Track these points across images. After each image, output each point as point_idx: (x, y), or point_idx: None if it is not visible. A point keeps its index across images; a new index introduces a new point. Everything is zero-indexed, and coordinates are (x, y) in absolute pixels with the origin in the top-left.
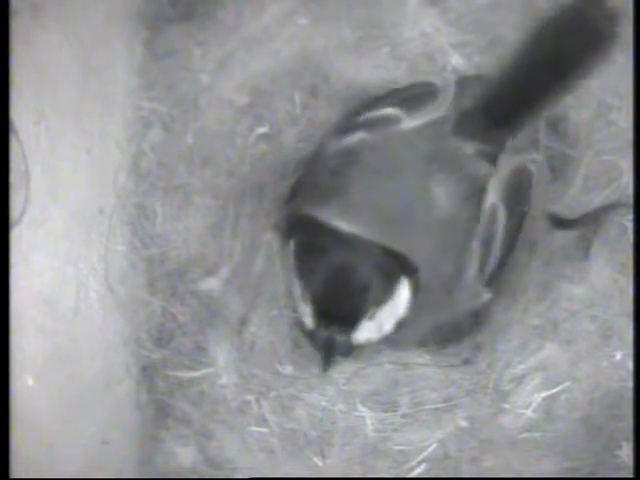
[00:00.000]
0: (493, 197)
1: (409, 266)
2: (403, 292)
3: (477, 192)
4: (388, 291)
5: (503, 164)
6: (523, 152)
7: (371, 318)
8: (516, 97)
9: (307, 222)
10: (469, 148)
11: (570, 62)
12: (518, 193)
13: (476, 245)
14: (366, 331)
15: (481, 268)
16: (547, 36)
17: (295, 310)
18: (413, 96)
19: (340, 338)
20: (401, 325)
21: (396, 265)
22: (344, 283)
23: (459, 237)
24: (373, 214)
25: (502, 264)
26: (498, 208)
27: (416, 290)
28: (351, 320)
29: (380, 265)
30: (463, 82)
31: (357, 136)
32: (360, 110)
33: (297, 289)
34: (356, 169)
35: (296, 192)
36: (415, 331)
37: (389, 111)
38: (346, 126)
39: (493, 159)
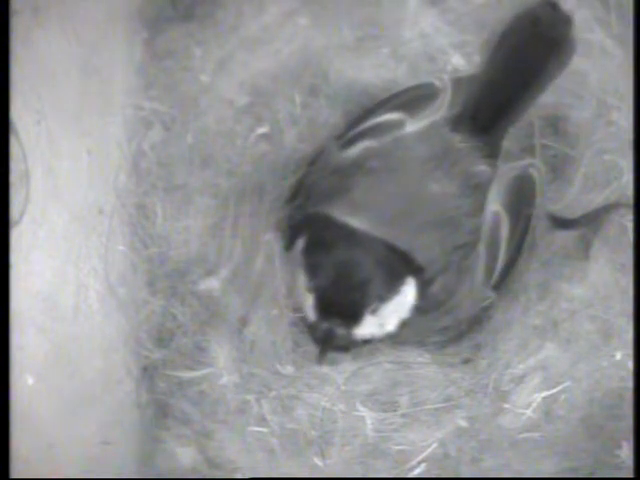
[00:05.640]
0: (495, 205)
1: (413, 264)
2: (409, 292)
3: (474, 188)
4: (391, 287)
5: (503, 172)
6: (521, 158)
7: (374, 313)
8: (492, 102)
9: (317, 218)
10: (465, 145)
11: (532, 67)
12: (521, 199)
13: (482, 250)
14: (368, 326)
15: (488, 273)
16: (506, 45)
17: (295, 310)
18: (414, 98)
19: (340, 331)
20: (405, 325)
21: (400, 262)
22: (348, 276)
23: (463, 238)
24: (379, 212)
25: (509, 268)
26: (501, 215)
27: (423, 291)
28: (352, 313)
29: (384, 261)
30: (458, 82)
31: (362, 144)
32: (362, 116)
33: (301, 283)
34: (362, 173)
35: (300, 192)
36: (418, 332)
37: (392, 116)
38: (350, 135)
39: (491, 159)
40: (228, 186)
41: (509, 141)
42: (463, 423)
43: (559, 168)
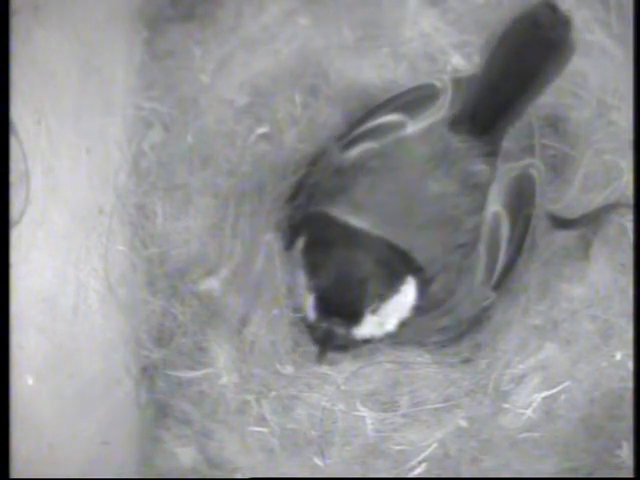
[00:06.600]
0: (495, 205)
1: (413, 264)
2: (409, 292)
3: (473, 187)
4: (390, 286)
5: (503, 172)
6: (521, 158)
7: (374, 313)
8: (492, 102)
9: (317, 218)
10: (464, 145)
11: (532, 68)
12: (521, 199)
13: (482, 250)
14: (368, 326)
15: (488, 273)
16: (506, 46)
17: (295, 310)
18: (415, 100)
19: (340, 331)
20: (405, 325)
21: (400, 262)
22: (348, 276)
23: (463, 238)
24: (379, 212)
25: (509, 268)
26: (501, 215)
27: (423, 291)
28: (351, 312)
29: (383, 260)
30: (458, 83)
31: (363, 146)
32: (363, 118)
33: (301, 283)
34: (363, 173)
35: (300, 192)
36: (418, 332)
37: (393, 117)
38: (351, 136)
39: (491, 158)
40: (228, 186)
41: (509, 141)
42: (463, 423)
43: (559, 168)
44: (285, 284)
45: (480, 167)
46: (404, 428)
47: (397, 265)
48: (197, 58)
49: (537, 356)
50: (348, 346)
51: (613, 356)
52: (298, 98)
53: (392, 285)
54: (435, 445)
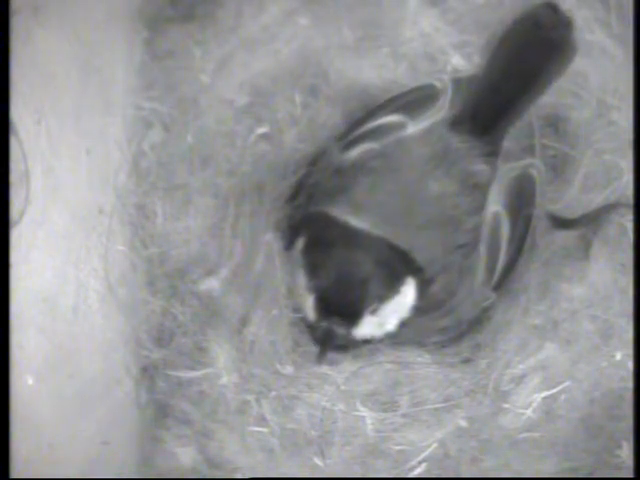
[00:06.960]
0: (495, 205)
1: (413, 264)
2: (409, 292)
3: (473, 187)
4: (391, 287)
5: (503, 172)
6: (521, 158)
7: (374, 313)
8: (492, 102)
9: (318, 218)
10: (464, 145)
11: (533, 69)
12: (521, 199)
13: (482, 250)
14: (368, 326)
15: (488, 273)
16: (507, 46)
17: (295, 310)
18: (415, 100)
19: (339, 330)
20: (404, 325)
21: (400, 262)
22: (347, 276)
23: (463, 238)
24: (380, 212)
25: (509, 268)
26: (501, 215)
27: (423, 291)
28: (351, 312)
29: (383, 260)
30: (458, 83)
31: (364, 147)
32: (363, 119)
33: (301, 283)
34: (363, 173)
35: (300, 192)
36: (418, 332)
37: (393, 118)
38: (351, 137)
39: (491, 158)
40: (228, 186)
41: (509, 141)
42: (463, 423)
43: (559, 168)
44: (285, 284)
45: (480, 167)
46: (404, 428)
47: (397, 266)
48: (197, 58)
49: (537, 356)
50: (348, 346)
51: (613, 356)
52: (298, 98)
53: (392, 286)
54: (435, 445)
